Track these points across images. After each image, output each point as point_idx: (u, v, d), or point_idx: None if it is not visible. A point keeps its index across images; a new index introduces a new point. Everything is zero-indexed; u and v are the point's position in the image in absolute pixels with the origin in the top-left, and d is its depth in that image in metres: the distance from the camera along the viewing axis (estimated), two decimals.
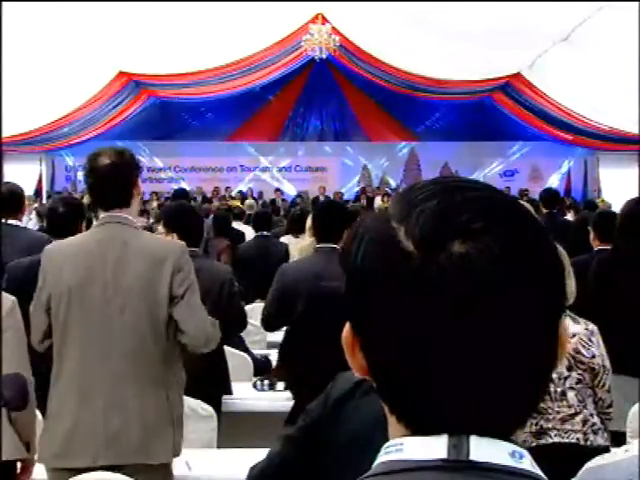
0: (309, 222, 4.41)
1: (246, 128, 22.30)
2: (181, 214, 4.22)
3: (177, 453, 2.96)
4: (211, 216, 9.17)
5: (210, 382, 4.05)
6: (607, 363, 3.17)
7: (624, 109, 13.87)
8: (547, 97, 17.29)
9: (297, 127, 23.07)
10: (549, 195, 8.55)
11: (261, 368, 4.88)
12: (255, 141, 22.30)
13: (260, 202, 17.42)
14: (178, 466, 3.08)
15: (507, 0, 12.34)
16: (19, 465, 2.82)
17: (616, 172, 18.90)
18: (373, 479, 0.73)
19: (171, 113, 21.44)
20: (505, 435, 0.72)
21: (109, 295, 2.87)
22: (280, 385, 4.50)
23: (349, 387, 1.46)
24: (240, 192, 20.41)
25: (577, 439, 3.09)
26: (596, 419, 3.16)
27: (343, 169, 22.23)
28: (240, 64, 17.18)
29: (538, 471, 0.73)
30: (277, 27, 15.69)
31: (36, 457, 2.89)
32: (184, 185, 19.48)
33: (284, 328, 4.08)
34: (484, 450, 0.71)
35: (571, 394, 3.13)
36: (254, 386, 4.57)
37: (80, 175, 20.76)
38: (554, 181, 21.45)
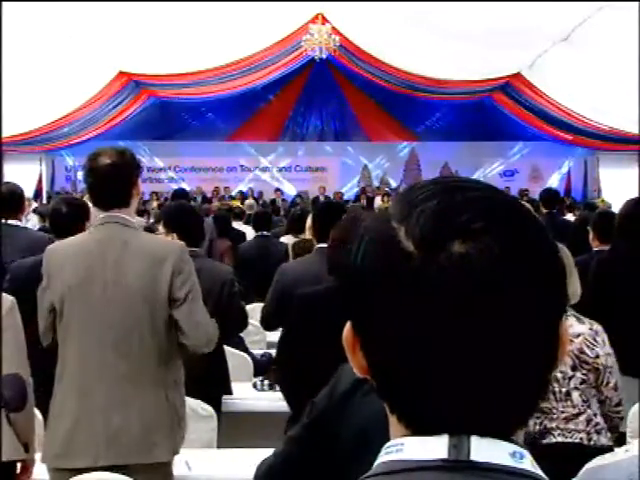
0: (309, 222, 4.40)
1: (246, 128, 22.30)
2: (181, 214, 4.22)
3: (176, 451, 2.96)
4: (211, 216, 9.16)
5: (210, 382, 4.05)
6: (611, 361, 3.16)
7: (624, 109, 13.87)
8: (547, 97, 17.29)
9: (297, 127, 23.07)
10: (549, 195, 8.55)
11: (261, 368, 4.88)
12: (255, 141, 22.30)
13: (260, 202, 17.42)
14: (178, 466, 3.08)
15: (507, 0, 12.34)
16: (19, 465, 2.82)
17: (616, 172, 18.90)
18: (373, 479, 0.73)
19: (171, 113, 21.43)
20: (505, 435, 0.72)
21: (109, 295, 2.87)
22: None
23: (354, 381, 1.45)
24: (240, 192, 20.42)
25: (580, 439, 3.09)
26: (599, 419, 3.16)
27: (343, 169, 22.23)
28: (240, 64, 17.18)
29: (539, 471, 0.73)
30: (277, 27, 15.69)
31: (39, 457, 2.89)
32: (184, 185, 19.49)
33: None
34: (484, 450, 0.71)
35: (575, 394, 3.12)
36: (254, 386, 4.57)
37: (80, 175, 20.79)
38: (554, 181, 21.45)
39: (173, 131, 22.15)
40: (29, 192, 16.05)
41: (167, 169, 22.00)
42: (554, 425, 3.11)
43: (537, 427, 3.10)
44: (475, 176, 18.03)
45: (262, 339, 5.82)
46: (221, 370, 4.25)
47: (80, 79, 15.09)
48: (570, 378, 3.13)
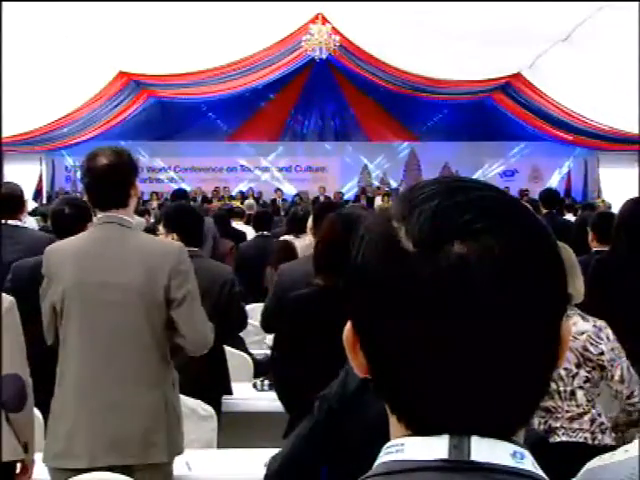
0: (310, 222, 4.41)
1: (246, 128, 22.31)
2: (181, 214, 4.22)
3: (180, 451, 2.97)
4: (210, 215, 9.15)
5: (210, 382, 4.05)
6: (615, 355, 3.15)
7: (624, 109, 13.87)
8: (547, 97, 17.30)
9: (297, 127, 23.08)
10: (549, 195, 8.56)
11: (261, 369, 4.88)
12: (255, 141, 22.31)
13: (260, 202, 17.42)
14: (178, 466, 3.08)
15: (507, 0, 12.34)
16: (19, 466, 2.82)
17: (616, 172, 18.90)
18: (374, 479, 0.73)
19: (171, 113, 21.43)
20: (506, 435, 0.72)
21: (107, 295, 2.87)
22: None
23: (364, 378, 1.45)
24: (240, 192, 20.42)
25: (585, 438, 3.10)
26: (604, 418, 3.16)
27: (343, 169, 22.23)
28: (240, 64, 17.19)
29: (539, 471, 0.73)
30: (277, 27, 15.69)
31: (38, 457, 2.89)
32: (184, 185, 19.50)
33: None
34: (485, 450, 0.71)
35: (580, 393, 3.13)
36: (254, 386, 4.57)
37: (79, 175, 20.75)
38: (554, 181, 21.46)
39: (173, 131, 22.15)
40: (29, 192, 16.07)
41: (167, 169, 22.01)
42: (559, 425, 3.11)
43: (542, 426, 3.10)
44: (475, 176, 18.01)
45: (262, 339, 5.81)
46: (221, 370, 4.25)
47: (80, 79, 15.10)
48: (574, 376, 3.13)
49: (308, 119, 22.99)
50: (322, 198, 17.04)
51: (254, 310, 5.93)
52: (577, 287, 3.16)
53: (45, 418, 3.14)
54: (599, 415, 3.16)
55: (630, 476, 1.62)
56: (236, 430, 4.12)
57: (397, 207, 0.74)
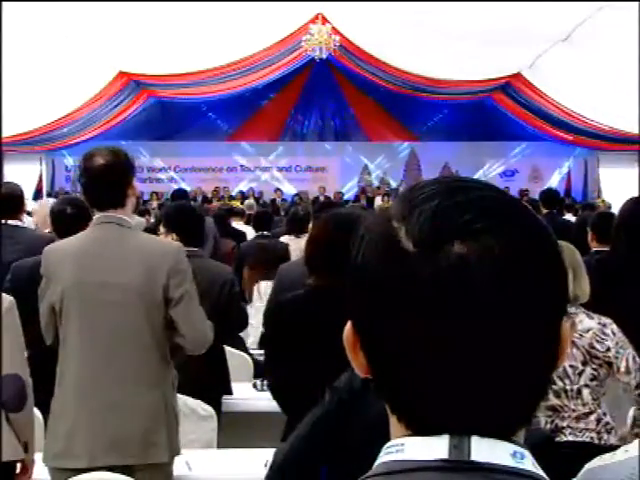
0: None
1: (246, 128, 22.30)
2: (180, 214, 4.22)
3: (177, 452, 2.97)
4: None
5: (210, 382, 4.05)
6: (620, 348, 3.14)
7: (624, 109, 13.87)
8: (547, 97, 17.31)
9: (297, 127, 23.07)
10: (549, 195, 8.56)
11: (261, 369, 4.87)
12: (255, 141, 22.30)
13: (260, 202, 17.42)
14: (178, 466, 3.08)
15: (507, 0, 12.35)
16: (19, 466, 2.82)
17: (616, 172, 18.91)
18: (374, 479, 0.73)
19: (171, 113, 21.43)
20: (506, 435, 0.72)
21: (106, 295, 2.87)
22: None
23: None
24: (240, 192, 20.42)
25: (591, 438, 3.09)
26: (609, 418, 3.16)
27: (343, 169, 22.22)
28: (240, 64, 17.19)
29: (539, 471, 0.73)
30: (277, 27, 15.70)
31: (38, 457, 2.90)
32: (184, 185, 19.49)
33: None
34: (485, 450, 0.71)
35: (586, 392, 3.12)
36: (254, 386, 4.57)
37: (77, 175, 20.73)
38: (554, 181, 21.46)
39: (173, 131, 22.15)
40: (29, 192, 16.07)
41: (167, 169, 22.01)
42: (565, 424, 3.11)
43: (548, 425, 3.10)
44: (475, 176, 17.99)
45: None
46: (221, 370, 4.25)
47: (80, 79, 15.10)
48: (580, 373, 3.12)
49: (308, 119, 22.98)
50: (322, 198, 17.03)
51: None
52: (583, 287, 3.17)
53: (45, 418, 3.14)
54: (605, 415, 3.16)
55: (630, 476, 1.62)
56: (236, 430, 4.12)
57: (397, 207, 0.74)
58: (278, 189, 20.82)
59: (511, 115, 20.28)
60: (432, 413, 0.72)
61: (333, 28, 16.02)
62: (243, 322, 4.50)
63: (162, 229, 4.19)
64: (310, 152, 22.32)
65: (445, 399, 0.71)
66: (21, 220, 4.89)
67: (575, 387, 3.12)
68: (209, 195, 19.36)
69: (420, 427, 0.73)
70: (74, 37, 14.23)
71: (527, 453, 0.73)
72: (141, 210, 11.52)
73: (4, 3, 9.58)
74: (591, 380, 3.13)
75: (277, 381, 2.98)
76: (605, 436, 3.11)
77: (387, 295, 0.71)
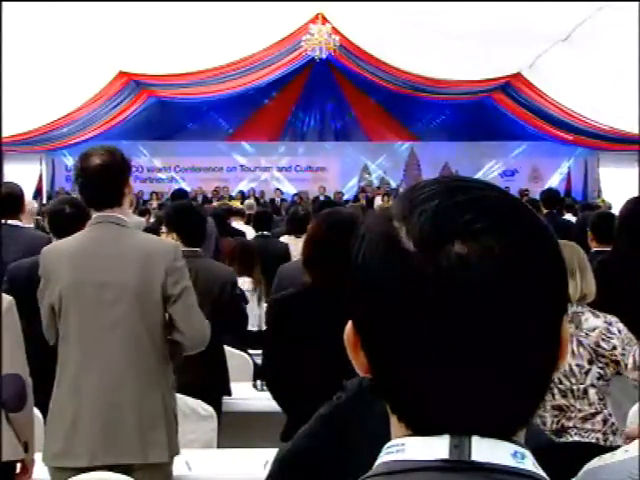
0: None
1: (246, 128, 22.30)
2: (181, 214, 4.22)
3: (177, 452, 2.97)
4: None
5: (210, 382, 4.05)
6: (626, 345, 3.14)
7: (624, 109, 13.87)
8: (547, 97, 17.30)
9: (297, 127, 23.07)
10: (550, 195, 8.57)
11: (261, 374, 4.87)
12: (255, 141, 22.31)
13: (261, 202, 17.41)
14: (178, 466, 3.08)
15: (507, 0, 12.35)
16: (19, 465, 2.82)
17: (616, 172, 18.91)
18: (374, 479, 0.73)
19: (171, 113, 21.42)
20: (507, 435, 0.72)
21: (104, 295, 2.87)
22: None
23: None
24: (240, 192, 20.42)
25: (597, 439, 3.09)
26: (614, 419, 3.16)
27: (343, 169, 22.22)
28: (240, 64, 17.19)
29: (540, 471, 0.73)
30: (277, 27, 15.69)
31: (39, 457, 2.90)
32: (184, 185, 19.48)
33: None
34: (485, 450, 0.71)
35: (592, 391, 3.12)
36: (254, 386, 4.57)
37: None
38: (554, 181, 21.46)
39: (173, 131, 22.16)
40: (29, 192, 16.07)
41: (167, 169, 22.01)
42: (571, 424, 3.10)
43: (554, 425, 3.10)
44: (475, 176, 17.99)
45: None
46: (221, 370, 4.24)
47: (80, 79, 15.10)
48: (587, 372, 3.12)
49: (308, 119, 22.98)
50: (322, 198, 17.03)
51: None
52: (590, 286, 3.17)
53: (45, 418, 3.14)
54: (610, 415, 3.15)
55: (630, 476, 1.62)
56: (236, 430, 4.12)
57: (398, 207, 0.74)
58: (278, 189, 20.81)
59: (511, 115, 20.27)
60: (433, 413, 0.72)
61: (333, 28, 16.01)
62: (243, 323, 4.50)
63: (164, 229, 4.19)
64: (310, 152, 22.32)
65: (446, 399, 0.71)
66: (21, 220, 4.89)
67: (581, 387, 3.12)
68: (209, 195, 19.36)
69: (421, 427, 0.73)
70: (74, 37, 14.23)
71: (528, 453, 0.73)
72: (141, 210, 11.53)
73: (4, 3, 9.58)
74: (597, 379, 3.13)
75: (273, 378, 2.99)
76: (611, 437, 3.10)
77: (388, 295, 0.71)
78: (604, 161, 20.08)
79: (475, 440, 0.71)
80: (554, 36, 14.55)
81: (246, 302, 5.40)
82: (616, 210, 6.57)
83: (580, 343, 3.12)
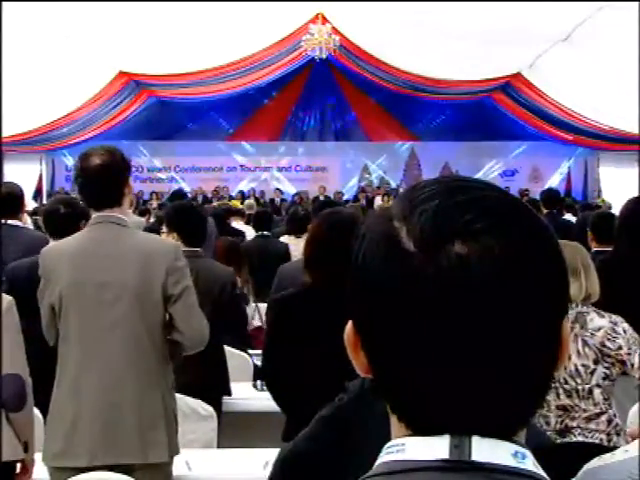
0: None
1: (246, 128, 22.30)
2: (181, 214, 4.22)
3: (177, 452, 2.97)
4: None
5: (210, 382, 4.05)
6: (633, 346, 3.14)
7: (624, 109, 13.87)
8: (547, 97, 17.30)
9: (297, 127, 23.07)
10: (550, 195, 8.57)
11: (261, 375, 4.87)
12: (255, 141, 22.31)
13: (262, 201, 17.41)
14: (178, 466, 3.08)
15: (507, 0, 12.34)
16: (19, 465, 2.82)
17: (616, 172, 18.91)
18: (374, 479, 0.73)
19: (171, 113, 21.42)
20: (507, 435, 0.72)
21: (104, 295, 2.87)
22: None
23: None
24: (240, 192, 20.42)
25: (600, 440, 3.08)
26: (619, 420, 3.16)
27: (343, 169, 22.23)
28: (240, 64, 17.19)
29: (541, 471, 0.73)
30: (277, 27, 15.69)
31: (39, 457, 2.90)
32: (184, 185, 19.48)
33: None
34: (486, 450, 0.70)
35: (597, 392, 3.12)
36: (254, 386, 4.57)
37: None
38: (554, 181, 21.46)
39: (173, 131, 22.16)
40: (29, 192, 16.08)
41: (167, 169, 22.00)
42: (575, 424, 3.10)
43: (558, 425, 3.10)
44: (475, 176, 17.98)
45: (263, 339, 5.81)
46: (221, 370, 4.24)
47: (80, 79, 15.10)
48: (592, 372, 3.11)
49: (308, 119, 22.98)
50: (322, 198, 17.03)
51: (254, 310, 5.92)
52: (594, 286, 3.17)
53: (45, 418, 3.14)
54: (615, 416, 3.15)
55: (630, 476, 1.62)
56: (236, 430, 4.12)
57: (398, 207, 0.74)
58: (277, 189, 20.81)
59: (511, 115, 20.27)
60: (433, 413, 0.72)
61: (333, 28, 16.01)
62: (243, 322, 4.50)
63: (164, 229, 4.20)
64: (310, 152, 22.32)
65: (446, 399, 0.71)
66: (21, 220, 4.88)
67: (587, 387, 3.11)
68: (209, 195, 19.35)
69: (421, 427, 0.73)
70: (74, 37, 14.23)
71: (528, 453, 0.72)
72: (141, 210, 11.53)
73: (4, 3, 9.58)
74: (603, 379, 3.12)
75: (274, 378, 2.99)
76: (614, 438, 3.09)
77: (388, 295, 0.71)
78: (604, 161, 20.08)
79: (475, 440, 0.70)
80: (554, 36, 14.55)
81: (246, 302, 5.40)
82: (616, 210, 6.58)
83: (585, 343, 3.11)
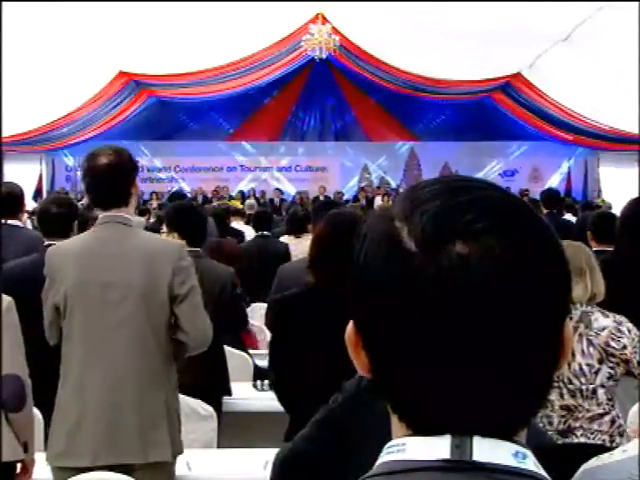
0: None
1: (246, 128, 22.30)
2: (181, 214, 4.22)
3: (180, 452, 2.97)
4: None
5: (210, 382, 4.05)
6: (636, 343, 3.14)
7: (624, 109, 13.87)
8: (547, 97, 17.30)
9: (297, 127, 23.06)
10: (550, 195, 8.57)
11: (261, 373, 4.86)
12: (255, 141, 22.31)
13: (262, 202, 17.40)
14: (178, 466, 3.08)
15: (507, 0, 12.34)
16: (19, 466, 2.82)
17: (616, 172, 18.91)
18: (375, 479, 0.73)
19: (171, 113, 21.43)
20: (508, 435, 0.72)
21: (110, 294, 2.87)
22: None
23: None
24: (240, 192, 20.42)
25: (603, 440, 3.07)
26: (622, 420, 3.15)
27: (343, 169, 22.23)
28: (240, 64, 17.19)
29: (542, 471, 0.73)
30: (277, 27, 15.69)
31: (39, 457, 2.89)
32: (184, 185, 19.46)
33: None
34: (487, 450, 0.70)
35: (601, 392, 3.11)
36: (254, 386, 4.57)
37: (80, 175, 20.78)
38: (554, 181, 21.45)
39: (173, 131, 22.16)
40: (29, 192, 16.07)
41: (167, 169, 22.00)
42: (578, 425, 3.09)
43: (561, 426, 3.09)
44: (475, 176, 17.98)
45: (262, 339, 5.81)
46: (221, 370, 4.24)
47: (80, 79, 15.10)
48: (597, 372, 3.11)
49: (308, 119, 22.98)
50: (322, 198, 17.03)
51: (254, 310, 5.93)
52: (599, 286, 3.18)
53: (45, 418, 3.14)
54: (619, 417, 3.14)
55: (629, 475, 1.62)
56: (236, 430, 4.12)
57: (399, 206, 0.74)
58: (277, 189, 20.80)
59: (511, 115, 20.27)
60: (433, 413, 0.72)
61: (333, 28, 16.01)
62: (243, 323, 4.50)
63: (164, 229, 4.20)
64: (310, 152, 22.32)
65: (447, 399, 0.70)
66: (21, 220, 4.88)
67: (591, 387, 3.11)
68: (209, 195, 19.35)
69: (421, 427, 0.73)
70: (74, 37, 14.23)
71: (529, 453, 0.72)
72: (141, 210, 11.53)
73: (4, 3, 9.58)
74: (608, 379, 3.12)
75: (278, 378, 2.99)
76: (617, 439, 3.08)
77: (389, 295, 0.71)
78: (604, 161, 20.07)
79: (476, 440, 0.70)
80: (554, 36, 14.55)
81: (247, 302, 5.40)
82: (616, 210, 6.58)
83: (590, 342, 3.11)
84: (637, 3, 10.64)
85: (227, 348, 4.44)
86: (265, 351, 5.41)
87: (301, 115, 22.92)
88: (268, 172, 22.20)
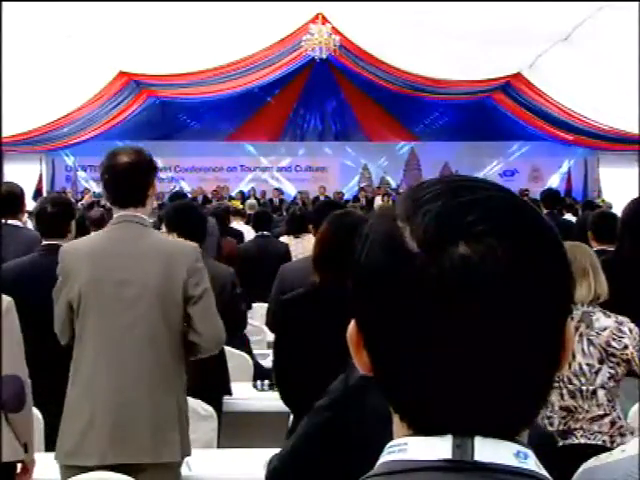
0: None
1: (246, 128, 22.28)
2: (181, 214, 4.22)
3: (188, 452, 2.97)
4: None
5: (210, 382, 4.05)
6: (637, 343, 3.14)
7: (624, 109, 13.86)
8: (547, 97, 17.30)
9: (297, 127, 23.05)
10: (550, 195, 8.59)
11: (261, 369, 4.87)
12: (255, 141, 22.30)
13: (262, 202, 17.40)
14: None
15: (507, 0, 12.34)
16: (19, 466, 2.82)
17: (616, 172, 18.90)
18: (376, 479, 0.73)
19: (171, 113, 21.43)
20: (509, 435, 0.72)
21: (124, 294, 2.87)
22: None
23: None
24: (240, 192, 20.41)
25: (603, 441, 3.07)
26: (623, 421, 3.15)
27: (343, 169, 22.22)
28: (240, 64, 17.18)
29: (543, 471, 0.73)
30: (277, 27, 15.69)
31: (40, 457, 2.89)
32: (184, 185, 19.43)
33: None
34: (488, 450, 0.70)
35: (601, 393, 3.11)
36: (254, 386, 4.57)
37: (80, 175, 20.82)
38: (554, 181, 21.44)
39: (173, 131, 22.14)
40: (29, 192, 16.06)
41: (167, 169, 21.98)
42: (578, 426, 3.09)
43: (561, 427, 3.09)
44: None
45: (262, 339, 5.82)
46: (221, 370, 4.24)
47: (80, 79, 15.10)
48: (597, 372, 3.11)
49: (308, 119, 22.97)
50: (322, 198, 17.02)
51: (254, 310, 5.93)
52: (603, 286, 3.18)
53: (45, 419, 3.14)
54: (619, 418, 3.14)
55: (629, 475, 1.62)
56: (236, 430, 4.12)
57: (402, 206, 0.74)
58: (277, 189, 20.80)
59: (511, 115, 20.26)
60: (435, 413, 0.72)
61: (333, 28, 16.00)
62: (243, 323, 4.49)
63: (164, 228, 4.20)
64: (310, 152, 22.32)
65: (448, 399, 0.70)
66: (21, 220, 4.88)
67: (591, 387, 3.11)
68: (209, 195, 19.34)
69: (423, 427, 0.72)
70: (75, 37, 14.23)
71: (530, 453, 0.72)
72: None
73: (4, 3, 9.58)
74: (609, 379, 3.12)
75: (282, 377, 2.99)
76: (618, 440, 3.07)
77: (391, 295, 0.71)
78: (604, 161, 20.06)
79: (478, 440, 0.70)
80: (554, 36, 14.55)
81: (247, 302, 5.40)
82: (616, 210, 6.57)
83: (591, 342, 3.11)
84: (637, 3, 10.64)
85: (227, 348, 4.44)
86: (265, 351, 5.42)
87: (301, 115, 22.91)
88: (268, 172, 22.19)
